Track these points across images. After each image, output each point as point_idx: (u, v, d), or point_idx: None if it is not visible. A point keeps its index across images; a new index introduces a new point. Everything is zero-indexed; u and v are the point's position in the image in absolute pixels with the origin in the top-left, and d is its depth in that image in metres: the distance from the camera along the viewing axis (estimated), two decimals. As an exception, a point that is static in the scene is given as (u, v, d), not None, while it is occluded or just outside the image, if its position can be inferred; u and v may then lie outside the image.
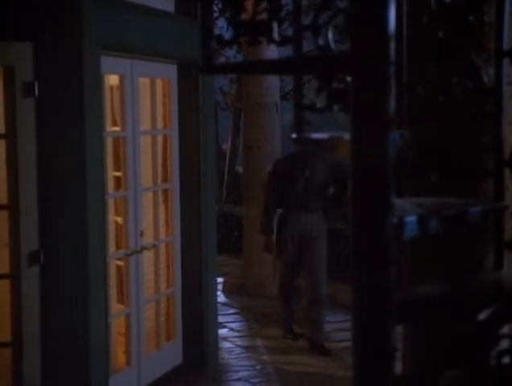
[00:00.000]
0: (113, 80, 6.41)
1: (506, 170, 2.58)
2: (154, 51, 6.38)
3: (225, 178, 17.50)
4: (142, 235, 6.42)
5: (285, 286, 7.96)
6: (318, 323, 7.69)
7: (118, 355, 6.47)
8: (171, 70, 6.81)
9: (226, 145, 18.96)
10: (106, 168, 5.93)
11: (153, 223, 6.69)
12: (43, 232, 5.34)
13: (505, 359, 2.24)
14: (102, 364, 5.61)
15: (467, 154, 2.82)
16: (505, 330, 2.27)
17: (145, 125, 6.55)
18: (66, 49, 5.33)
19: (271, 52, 9.36)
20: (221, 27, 10.18)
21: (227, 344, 8.07)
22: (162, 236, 6.84)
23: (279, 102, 10.84)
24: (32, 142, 5.28)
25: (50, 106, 5.32)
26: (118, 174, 6.44)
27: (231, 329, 8.70)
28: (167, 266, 6.93)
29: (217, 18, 12.21)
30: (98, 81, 5.56)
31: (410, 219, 2.11)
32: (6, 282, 5.37)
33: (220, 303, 8.58)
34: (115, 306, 6.41)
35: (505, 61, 2.55)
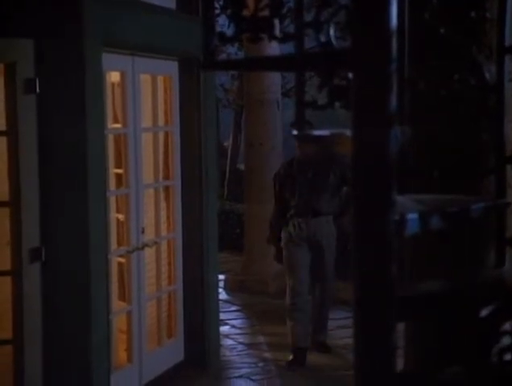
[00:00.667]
0: (114, 76, 6.40)
1: (508, 167, 2.58)
2: (155, 48, 6.38)
3: (227, 175, 17.48)
4: (143, 232, 6.42)
5: (297, 304, 7.34)
6: (322, 322, 7.65)
7: (120, 352, 6.47)
8: (172, 67, 6.80)
9: (228, 143, 18.95)
10: (108, 165, 5.93)
11: (154, 220, 6.68)
12: (45, 229, 5.34)
13: (507, 356, 2.24)
14: (103, 361, 5.61)
15: (468, 151, 2.82)
16: (507, 326, 2.27)
17: (146, 121, 6.55)
18: (67, 46, 5.32)
19: (273, 49, 9.33)
20: (223, 24, 10.16)
21: (229, 341, 8.07)
22: (163, 233, 6.84)
23: (281, 99, 10.83)
24: (33, 139, 5.28)
25: (51, 103, 5.31)
26: (120, 171, 6.43)
27: (233, 326, 8.70)
28: (169, 263, 6.92)
29: (219, 14, 12.19)
30: (99, 78, 5.55)
31: (412, 216, 2.11)
32: (8, 279, 5.37)
33: (221, 300, 8.57)
34: (116, 303, 6.41)
35: (507, 58, 2.55)
